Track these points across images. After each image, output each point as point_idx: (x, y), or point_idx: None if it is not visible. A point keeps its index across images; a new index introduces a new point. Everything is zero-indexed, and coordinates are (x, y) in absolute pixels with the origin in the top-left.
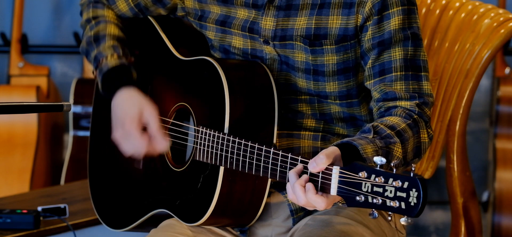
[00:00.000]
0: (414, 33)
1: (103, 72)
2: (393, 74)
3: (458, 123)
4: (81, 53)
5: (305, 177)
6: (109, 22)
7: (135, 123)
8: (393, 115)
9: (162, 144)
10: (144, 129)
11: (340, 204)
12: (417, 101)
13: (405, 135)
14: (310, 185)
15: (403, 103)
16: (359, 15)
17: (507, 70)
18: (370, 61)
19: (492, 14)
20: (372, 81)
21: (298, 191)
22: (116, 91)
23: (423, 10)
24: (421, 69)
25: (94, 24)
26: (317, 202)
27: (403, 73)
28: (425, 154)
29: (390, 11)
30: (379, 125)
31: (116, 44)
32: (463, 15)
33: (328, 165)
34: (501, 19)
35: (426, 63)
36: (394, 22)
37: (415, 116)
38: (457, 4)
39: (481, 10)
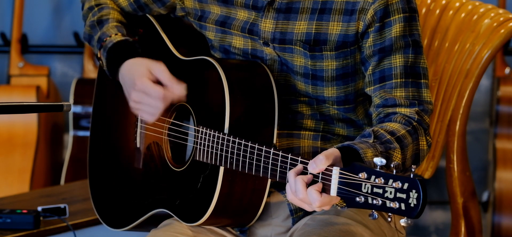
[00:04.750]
0: (415, 40)
1: (107, 48)
2: (393, 81)
3: (458, 123)
4: (84, 40)
5: (307, 175)
6: (112, 8)
7: (145, 78)
8: (392, 121)
9: (179, 88)
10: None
11: (339, 207)
12: (416, 109)
13: (405, 141)
14: (311, 181)
15: (402, 110)
16: (361, 22)
17: (507, 70)
18: (370, 67)
19: (492, 14)
20: (372, 87)
21: (299, 185)
22: (121, 64)
23: (423, 10)
24: (421, 77)
25: (97, 11)
26: (313, 198)
27: (403, 80)
28: (423, 161)
29: (392, 18)
30: (379, 129)
31: (120, 25)
32: (463, 15)
33: (328, 166)
34: (501, 19)
35: (426, 70)
36: (395, 29)
37: (415, 124)
38: (457, 4)
39: (481, 10)
